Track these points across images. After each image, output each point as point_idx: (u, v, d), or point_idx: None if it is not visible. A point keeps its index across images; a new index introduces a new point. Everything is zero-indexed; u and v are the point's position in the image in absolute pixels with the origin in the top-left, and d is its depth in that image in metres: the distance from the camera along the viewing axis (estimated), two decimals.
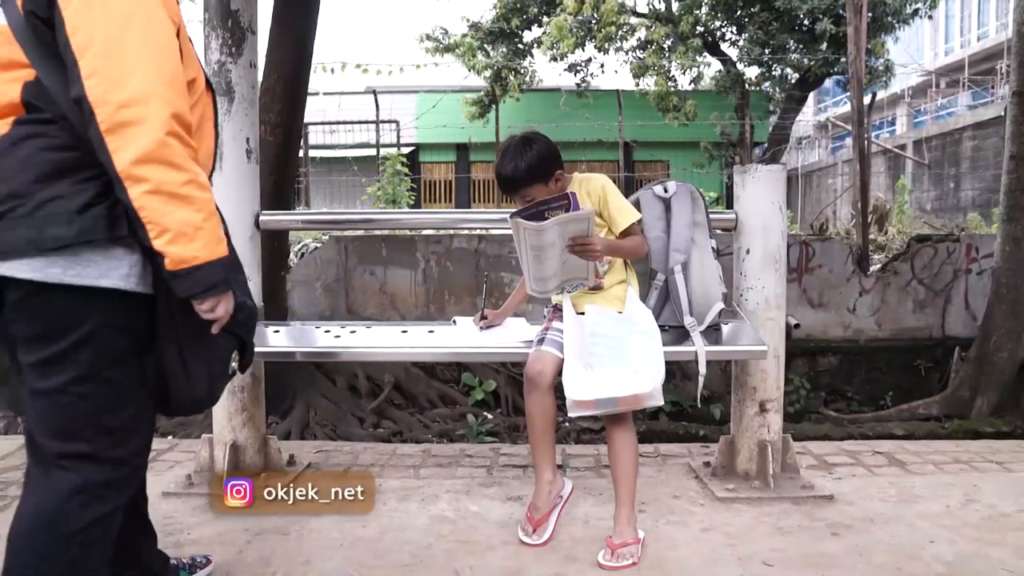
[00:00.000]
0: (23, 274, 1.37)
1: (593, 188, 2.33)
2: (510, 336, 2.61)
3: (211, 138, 1.64)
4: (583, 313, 2.29)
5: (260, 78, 2.91)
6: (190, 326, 1.50)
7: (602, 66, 13.97)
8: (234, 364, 1.68)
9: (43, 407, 1.46)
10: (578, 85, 14.06)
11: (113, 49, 1.35)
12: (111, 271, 1.41)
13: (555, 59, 12.85)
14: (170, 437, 4.29)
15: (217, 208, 1.49)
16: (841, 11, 10.85)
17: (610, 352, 2.16)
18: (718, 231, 2.72)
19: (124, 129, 1.33)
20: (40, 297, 1.39)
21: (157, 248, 1.38)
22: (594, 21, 12.16)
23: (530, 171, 2.22)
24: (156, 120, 1.35)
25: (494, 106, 12.93)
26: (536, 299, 2.46)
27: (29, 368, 1.45)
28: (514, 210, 2.17)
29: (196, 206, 1.39)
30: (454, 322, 2.76)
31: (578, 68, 13.90)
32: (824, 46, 11.80)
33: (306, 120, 6.21)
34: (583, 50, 12.85)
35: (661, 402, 2.14)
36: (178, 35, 1.49)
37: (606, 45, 12.36)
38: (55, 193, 1.37)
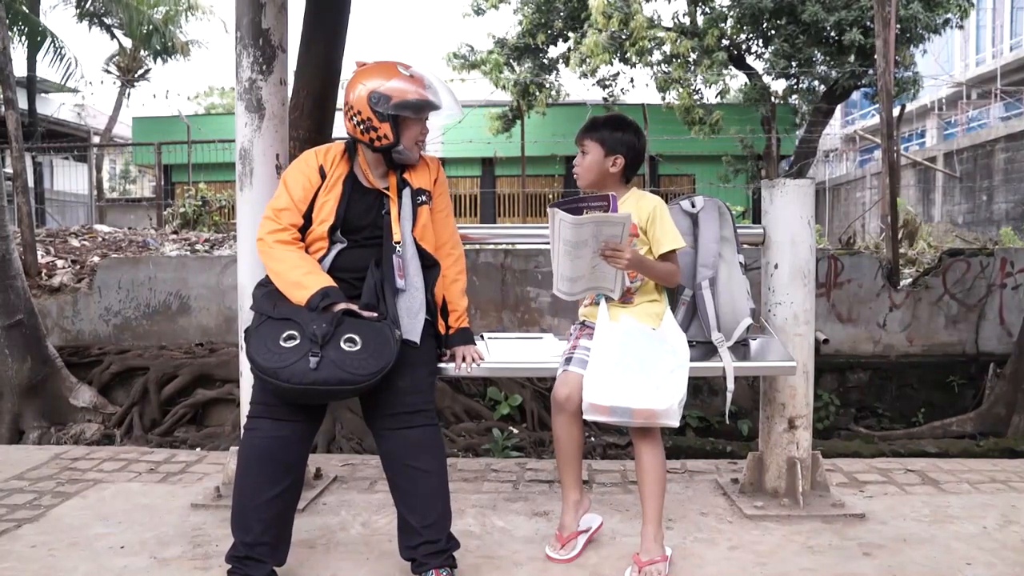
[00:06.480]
0: None
1: (645, 204, 2.32)
2: (537, 352, 2.61)
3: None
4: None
5: (290, 95, 2.96)
6: None
7: (632, 80, 13.85)
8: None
9: None
10: (605, 99, 14.06)
11: None
12: None
13: (585, 75, 12.87)
14: (198, 449, 4.34)
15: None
16: (869, 23, 10.76)
17: (636, 364, 2.14)
18: (746, 246, 2.71)
19: None
20: None
21: None
22: (624, 36, 12.17)
23: (602, 127, 2.33)
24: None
25: (519, 121, 12.96)
26: (562, 316, 2.45)
27: None
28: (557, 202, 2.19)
29: None
30: (481, 337, 2.76)
31: (607, 83, 13.90)
32: (851, 58, 11.68)
33: (334, 136, 6.28)
34: (611, 65, 12.87)
35: (676, 423, 2.11)
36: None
37: (636, 60, 12.36)
38: None
